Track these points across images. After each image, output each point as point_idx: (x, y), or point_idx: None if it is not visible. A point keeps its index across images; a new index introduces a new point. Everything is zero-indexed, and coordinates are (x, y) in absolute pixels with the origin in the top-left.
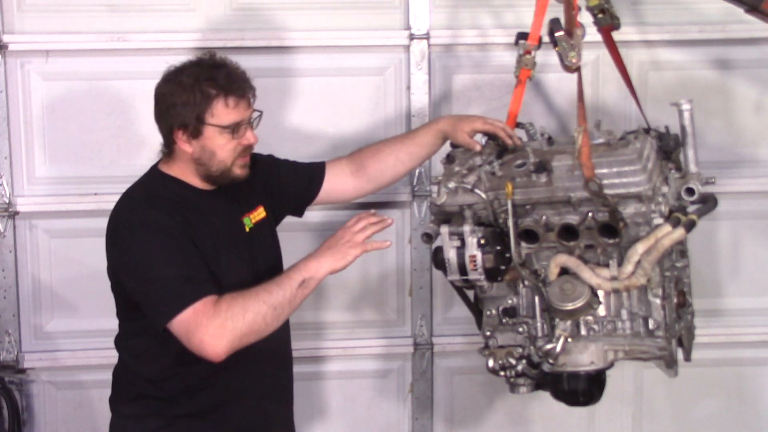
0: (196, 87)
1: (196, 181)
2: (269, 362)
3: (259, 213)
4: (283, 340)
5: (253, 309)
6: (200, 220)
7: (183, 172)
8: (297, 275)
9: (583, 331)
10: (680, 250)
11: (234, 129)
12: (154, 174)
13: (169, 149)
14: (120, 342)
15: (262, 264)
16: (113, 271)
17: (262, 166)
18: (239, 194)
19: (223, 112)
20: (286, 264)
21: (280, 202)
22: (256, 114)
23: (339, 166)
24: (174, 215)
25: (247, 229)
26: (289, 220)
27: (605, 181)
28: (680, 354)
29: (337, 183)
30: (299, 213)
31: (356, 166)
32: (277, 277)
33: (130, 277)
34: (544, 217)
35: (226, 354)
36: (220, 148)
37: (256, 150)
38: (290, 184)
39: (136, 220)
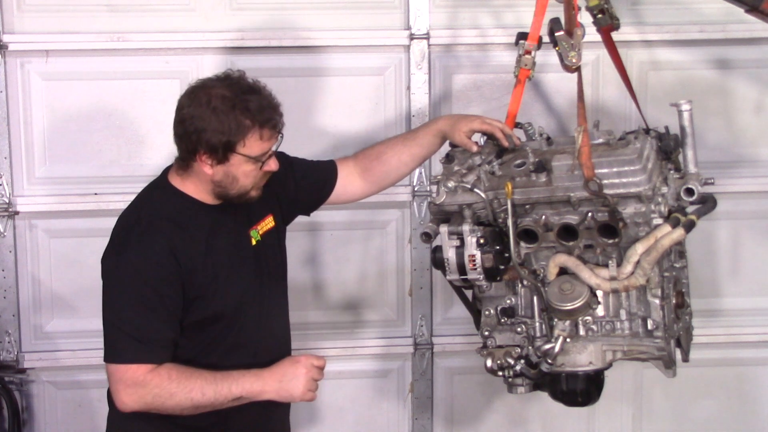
0: (231, 115)
1: (207, 198)
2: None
3: (268, 223)
4: (285, 342)
5: (177, 401)
6: (200, 248)
7: (196, 189)
8: (238, 390)
9: (582, 332)
10: (679, 250)
11: (263, 159)
12: (165, 190)
13: (185, 163)
14: None
15: (266, 275)
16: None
17: (281, 165)
18: (246, 206)
19: (255, 144)
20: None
21: (293, 203)
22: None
23: (348, 167)
24: (171, 250)
25: (254, 242)
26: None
27: (605, 181)
28: (678, 354)
29: (347, 185)
30: (308, 213)
31: (362, 168)
32: (220, 380)
33: (103, 298)
34: (543, 217)
35: (130, 411)
36: (244, 175)
37: None
38: (306, 185)
39: (132, 253)
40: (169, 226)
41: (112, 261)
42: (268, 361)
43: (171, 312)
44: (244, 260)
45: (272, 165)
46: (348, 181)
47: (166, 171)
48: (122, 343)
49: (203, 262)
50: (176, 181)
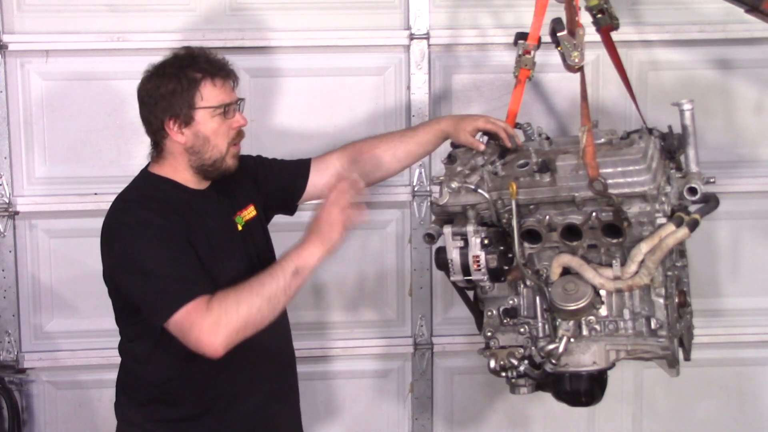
0: (181, 74)
1: (188, 179)
2: (273, 362)
3: (250, 212)
4: (285, 339)
5: (247, 301)
6: (195, 222)
7: (174, 169)
8: (289, 264)
9: (585, 332)
10: (679, 250)
11: (225, 110)
12: (145, 176)
13: (158, 147)
14: (122, 348)
15: (257, 262)
16: (110, 275)
17: (251, 166)
18: (230, 193)
19: (211, 93)
20: None
21: (269, 200)
22: (241, 102)
23: (329, 160)
24: (169, 216)
25: (240, 228)
26: (285, 219)
27: (610, 181)
28: (680, 353)
29: (326, 177)
30: (290, 211)
31: (349, 159)
32: (269, 269)
33: (126, 278)
34: (547, 217)
35: (224, 349)
36: (213, 132)
37: (255, 150)
38: (277, 181)
39: (131, 222)
40: (162, 205)
41: (126, 236)
42: (271, 349)
43: (196, 258)
44: (234, 244)
45: (239, 119)
46: (328, 173)
47: (145, 168)
48: (169, 292)
49: (201, 242)
50: (155, 169)
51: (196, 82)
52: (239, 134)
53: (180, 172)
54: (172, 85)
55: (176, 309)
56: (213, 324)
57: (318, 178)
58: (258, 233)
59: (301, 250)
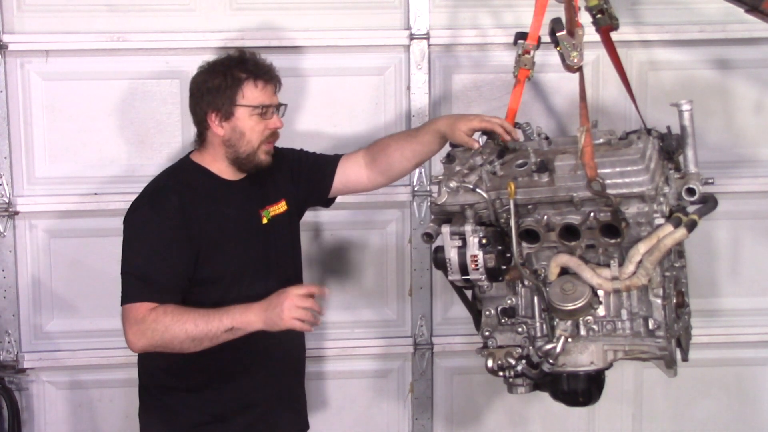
0: (228, 72)
1: (222, 169)
2: (283, 367)
3: (280, 207)
4: (299, 345)
5: (173, 333)
6: (214, 209)
7: (213, 158)
8: (228, 321)
9: (583, 332)
10: (678, 250)
11: (262, 111)
12: (183, 163)
13: (201, 137)
14: None
15: (274, 256)
16: None
17: (289, 160)
18: (262, 187)
19: (252, 93)
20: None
21: (300, 193)
22: (282, 107)
23: (355, 158)
24: (181, 207)
25: (265, 221)
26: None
27: (608, 181)
28: (678, 354)
29: (352, 174)
30: (324, 204)
31: (370, 158)
32: (212, 313)
33: (122, 257)
34: (545, 217)
35: (143, 352)
36: (250, 129)
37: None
38: (309, 176)
39: (141, 211)
40: (181, 187)
41: (128, 218)
42: (283, 355)
43: (179, 260)
44: (253, 235)
45: (276, 121)
46: (354, 171)
47: (188, 154)
48: (131, 286)
49: (211, 223)
50: (196, 157)
51: (240, 81)
52: (273, 134)
53: (217, 162)
54: (218, 81)
55: (126, 303)
56: (139, 331)
57: (343, 176)
58: (283, 229)
59: (245, 314)
